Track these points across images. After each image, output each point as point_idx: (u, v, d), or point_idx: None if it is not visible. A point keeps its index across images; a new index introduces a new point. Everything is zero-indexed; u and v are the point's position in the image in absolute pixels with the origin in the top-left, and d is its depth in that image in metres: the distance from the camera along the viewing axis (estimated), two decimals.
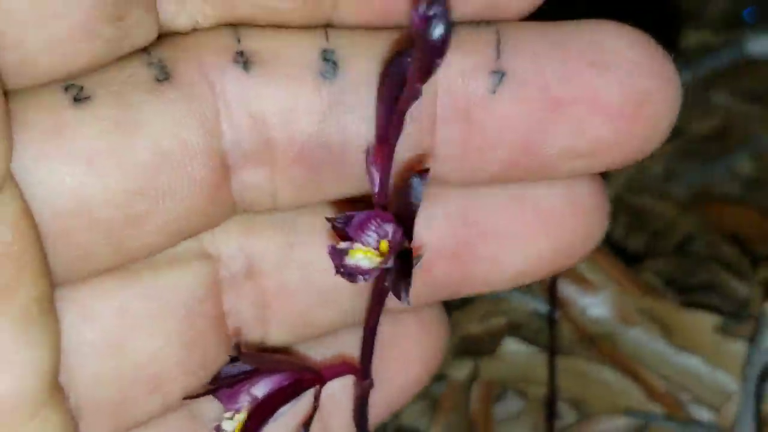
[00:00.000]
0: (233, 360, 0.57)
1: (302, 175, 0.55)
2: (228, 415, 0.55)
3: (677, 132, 1.30)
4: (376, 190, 0.52)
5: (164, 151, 0.51)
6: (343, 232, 0.50)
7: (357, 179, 0.55)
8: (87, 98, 0.49)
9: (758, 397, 0.90)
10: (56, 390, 0.51)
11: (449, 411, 0.98)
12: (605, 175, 1.26)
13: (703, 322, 0.98)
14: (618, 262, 1.04)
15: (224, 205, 0.54)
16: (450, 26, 0.44)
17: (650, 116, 0.55)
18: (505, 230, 0.59)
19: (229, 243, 0.58)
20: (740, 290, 1.07)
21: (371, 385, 0.59)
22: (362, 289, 0.59)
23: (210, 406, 0.59)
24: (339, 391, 0.62)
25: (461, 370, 1.02)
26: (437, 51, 0.45)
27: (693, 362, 0.97)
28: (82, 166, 0.49)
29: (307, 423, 0.57)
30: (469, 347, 1.05)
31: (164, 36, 0.53)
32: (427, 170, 0.50)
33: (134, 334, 0.54)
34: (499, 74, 0.54)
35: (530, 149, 0.55)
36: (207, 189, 0.53)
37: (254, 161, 0.54)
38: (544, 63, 0.54)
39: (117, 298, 0.54)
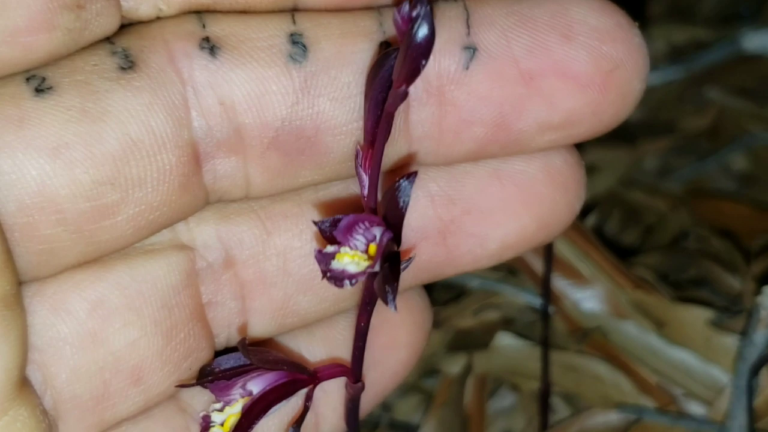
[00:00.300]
0: (221, 353, 0.57)
1: (277, 162, 0.55)
2: (218, 406, 0.55)
3: (671, 128, 1.31)
4: (365, 192, 0.52)
5: (133, 139, 0.50)
6: (329, 235, 0.50)
7: (332, 164, 0.56)
8: (50, 88, 0.49)
9: (750, 391, 0.90)
10: (25, 386, 0.50)
11: (443, 405, 0.98)
12: (598, 171, 1.26)
13: (696, 316, 0.98)
14: (611, 256, 1.04)
15: (197, 195, 0.54)
16: (434, 27, 0.44)
17: (620, 84, 0.56)
18: (488, 206, 0.59)
19: (204, 232, 0.57)
20: (733, 284, 1.07)
21: (362, 388, 0.59)
22: None
23: (198, 400, 0.59)
24: (329, 383, 0.62)
25: (455, 365, 1.02)
26: (422, 51, 0.45)
27: (685, 356, 0.97)
28: (47, 157, 0.49)
29: (298, 422, 0.56)
30: (463, 341, 1.05)
31: (128, 25, 0.52)
32: (415, 173, 0.50)
33: (110, 327, 0.54)
34: (471, 50, 0.54)
35: (505, 125, 0.56)
36: (178, 178, 0.52)
37: (226, 149, 0.54)
38: (512, 36, 0.54)
39: (91, 291, 0.54)
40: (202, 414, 0.55)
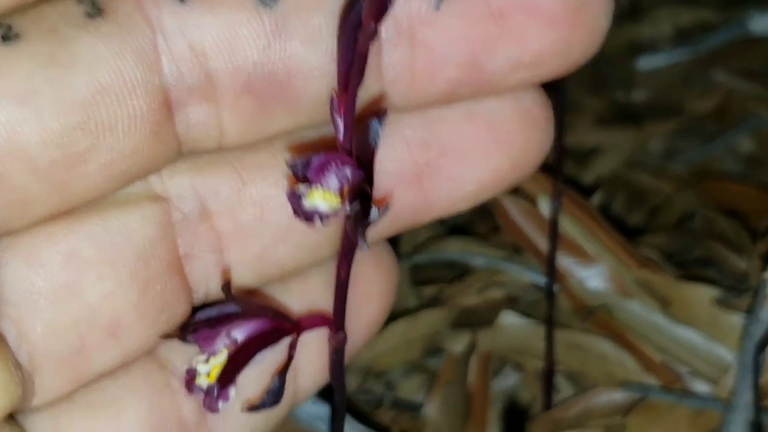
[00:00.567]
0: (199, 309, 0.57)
1: (249, 109, 0.55)
2: (202, 357, 0.54)
3: (677, 110, 1.31)
4: (341, 137, 0.52)
5: (102, 85, 0.50)
6: (301, 175, 0.49)
7: (305, 109, 0.56)
8: (17, 36, 0.49)
9: (756, 369, 0.89)
10: None
11: (447, 384, 0.98)
12: (603, 153, 1.26)
13: (701, 294, 0.98)
14: (616, 234, 1.03)
15: (169, 144, 0.54)
16: None
17: (587, 20, 0.57)
18: (463, 147, 0.60)
19: (178, 184, 0.57)
20: (739, 264, 1.07)
21: (345, 338, 0.59)
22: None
23: (178, 356, 0.59)
24: (306, 337, 0.62)
25: (458, 343, 1.01)
26: None
27: (690, 335, 0.96)
28: (16, 104, 0.48)
29: (282, 371, 0.57)
30: (467, 320, 1.04)
31: None
32: (385, 111, 0.50)
33: (85, 279, 0.54)
34: None
35: (477, 65, 0.56)
36: (150, 125, 0.52)
37: (198, 96, 0.53)
38: None
39: (64, 243, 0.53)
40: (186, 368, 0.55)
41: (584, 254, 1.03)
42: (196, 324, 0.56)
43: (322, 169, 0.48)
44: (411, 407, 0.99)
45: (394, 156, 0.59)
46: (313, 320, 0.59)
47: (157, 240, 0.56)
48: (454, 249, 1.12)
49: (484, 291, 1.07)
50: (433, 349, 1.04)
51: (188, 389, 0.55)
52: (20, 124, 0.48)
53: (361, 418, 0.92)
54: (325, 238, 0.61)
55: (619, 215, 1.20)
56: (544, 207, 1.05)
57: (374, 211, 0.50)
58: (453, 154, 0.61)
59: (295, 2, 0.54)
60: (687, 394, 0.93)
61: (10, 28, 0.49)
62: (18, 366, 0.52)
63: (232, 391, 0.55)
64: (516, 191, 1.09)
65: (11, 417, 0.53)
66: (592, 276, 1.02)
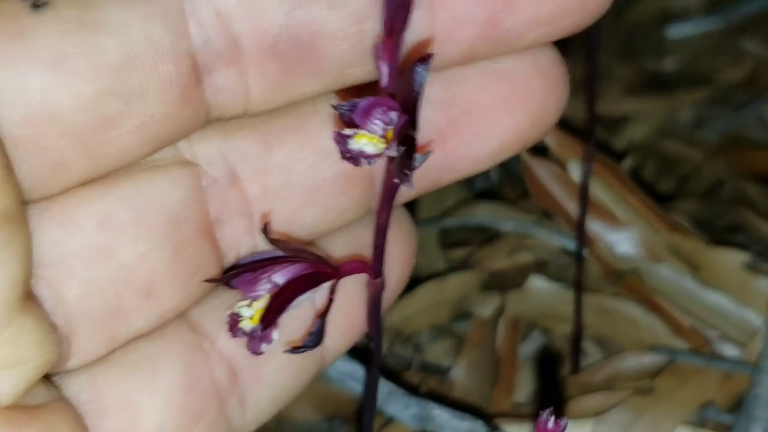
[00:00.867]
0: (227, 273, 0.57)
1: (275, 73, 0.55)
2: (245, 302, 0.55)
3: (707, 79, 1.31)
4: (384, 82, 0.52)
5: (132, 49, 0.51)
6: (348, 118, 0.50)
7: (330, 72, 0.56)
8: (46, 3, 0.49)
9: None
10: (30, 299, 0.51)
11: (475, 348, 0.98)
12: (634, 121, 1.26)
13: (731, 259, 0.98)
14: (646, 199, 1.03)
15: (197, 109, 0.55)
16: None
17: None
18: (484, 105, 0.61)
19: (206, 149, 0.58)
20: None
21: (383, 284, 0.59)
22: (346, 187, 0.61)
23: (209, 319, 0.60)
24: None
25: (487, 307, 1.02)
26: None
27: (720, 299, 0.96)
28: (49, 69, 0.49)
29: (323, 314, 0.57)
30: (496, 283, 1.05)
31: None
32: (430, 56, 0.50)
33: (119, 240, 0.55)
34: None
35: (496, 22, 0.57)
36: (179, 89, 0.53)
37: (224, 61, 0.54)
38: None
39: (98, 206, 0.54)
40: (229, 312, 0.56)
41: (614, 218, 1.03)
42: (239, 269, 0.57)
43: (368, 113, 0.49)
44: (439, 370, 1.00)
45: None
46: (353, 266, 0.59)
47: (188, 203, 0.57)
48: (483, 213, 1.12)
49: (513, 255, 1.08)
50: (462, 314, 1.04)
51: (231, 333, 0.55)
52: (53, 88, 0.49)
53: (391, 377, 0.93)
54: (353, 200, 0.62)
55: (650, 183, 1.20)
56: (574, 171, 1.05)
57: (418, 157, 0.51)
58: (475, 112, 0.61)
59: None
60: (715, 357, 0.94)
61: None
62: (54, 327, 0.52)
63: (275, 334, 0.55)
64: (546, 156, 1.09)
65: (47, 378, 0.54)
66: (621, 240, 1.02)
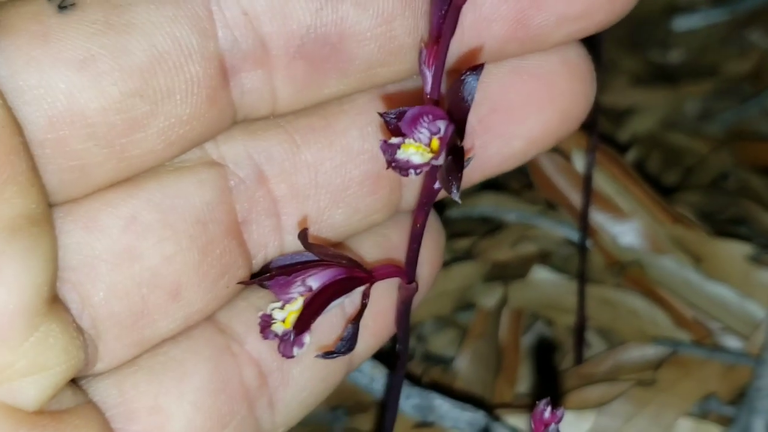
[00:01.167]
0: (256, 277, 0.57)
1: (303, 72, 0.55)
2: (278, 304, 0.55)
3: (713, 71, 1.31)
4: (428, 89, 0.52)
5: (159, 51, 0.50)
6: (394, 126, 0.49)
7: (357, 72, 0.56)
8: (72, 5, 0.49)
9: None
10: (56, 303, 0.50)
11: (477, 339, 0.98)
12: (639, 113, 1.26)
13: (734, 251, 0.98)
14: (650, 190, 1.03)
15: (224, 110, 0.54)
16: None
17: None
18: (513, 103, 0.60)
19: (233, 149, 0.58)
20: None
21: (416, 289, 0.59)
22: (375, 187, 0.60)
23: (237, 321, 0.59)
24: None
25: (490, 297, 1.02)
26: None
27: (723, 291, 0.96)
28: (75, 70, 0.49)
29: (356, 319, 0.56)
30: (499, 274, 1.05)
31: None
32: (481, 66, 0.49)
33: (145, 242, 0.54)
34: None
35: (525, 20, 0.57)
36: (206, 91, 0.52)
37: (252, 61, 0.54)
38: None
39: (123, 208, 0.54)
40: (260, 314, 0.55)
41: (618, 210, 1.03)
42: (272, 271, 0.56)
43: (415, 122, 0.48)
44: (442, 360, 1.00)
45: None
46: (386, 270, 0.59)
47: (215, 204, 0.56)
48: (487, 204, 1.12)
49: (517, 246, 1.07)
50: (465, 304, 1.04)
51: (263, 335, 0.55)
52: (79, 89, 0.49)
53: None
54: (381, 201, 0.61)
55: (654, 175, 1.19)
56: (578, 162, 1.05)
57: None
58: (503, 110, 0.61)
59: None
60: (718, 349, 0.94)
61: None
62: (80, 330, 0.52)
63: (307, 338, 0.55)
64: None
65: (74, 382, 0.53)
66: (625, 232, 1.02)
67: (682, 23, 1.41)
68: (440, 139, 0.48)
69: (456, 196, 0.49)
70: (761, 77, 1.32)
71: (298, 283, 0.55)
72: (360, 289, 0.57)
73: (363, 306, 0.57)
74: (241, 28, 0.53)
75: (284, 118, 0.58)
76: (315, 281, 0.55)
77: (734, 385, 0.91)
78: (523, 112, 0.61)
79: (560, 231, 1.07)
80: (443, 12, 0.50)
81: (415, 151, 0.48)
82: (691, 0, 1.44)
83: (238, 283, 0.58)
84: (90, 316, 0.53)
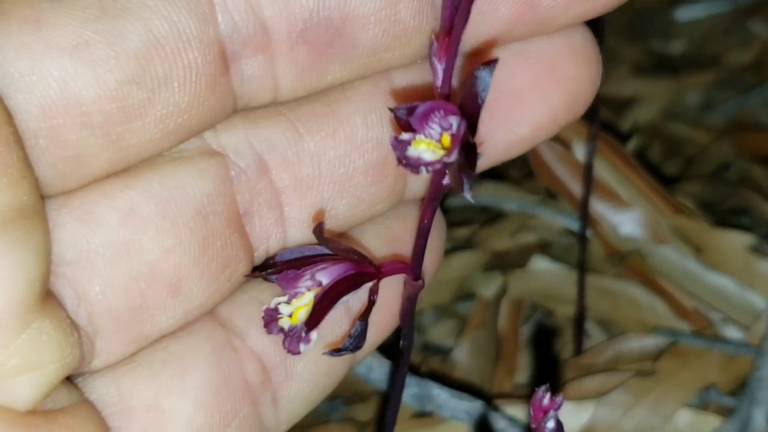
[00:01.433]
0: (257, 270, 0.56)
1: (305, 57, 0.54)
2: (284, 299, 0.54)
3: (715, 61, 1.30)
4: (439, 82, 0.50)
5: (156, 36, 0.49)
6: (405, 122, 0.48)
7: (360, 57, 0.55)
8: None
9: None
10: (49, 299, 0.49)
11: (477, 329, 0.98)
12: (640, 103, 1.26)
13: (735, 241, 0.97)
14: (651, 180, 1.03)
15: (224, 98, 0.53)
16: None
17: None
18: (519, 88, 0.59)
19: (233, 138, 0.56)
20: None
21: (422, 286, 0.58)
22: (379, 177, 0.59)
23: (238, 315, 0.58)
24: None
25: (490, 287, 1.01)
26: None
27: (723, 281, 0.96)
28: (68, 57, 0.47)
29: (364, 317, 0.55)
30: (499, 263, 1.04)
31: None
32: (495, 61, 0.48)
33: (143, 235, 0.53)
34: None
35: (533, 2, 0.55)
36: (205, 78, 0.51)
37: (253, 47, 0.52)
38: None
39: (120, 200, 0.52)
40: (264, 308, 0.54)
41: (618, 199, 1.03)
42: (279, 265, 0.55)
43: (426, 117, 0.47)
44: (441, 351, 1.00)
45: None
46: (394, 266, 0.57)
47: (215, 195, 0.55)
48: (487, 193, 1.12)
49: (517, 235, 1.07)
50: (464, 294, 1.04)
51: (267, 330, 0.54)
52: (72, 77, 0.47)
53: (391, 356, 0.92)
54: (385, 191, 0.60)
55: (655, 165, 1.19)
56: (579, 152, 1.05)
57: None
58: (509, 95, 0.59)
59: None
60: (718, 339, 0.93)
61: None
62: (74, 327, 0.50)
63: (314, 334, 0.53)
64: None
65: (69, 380, 0.52)
66: (625, 221, 1.02)
67: (684, 13, 1.41)
68: (452, 135, 0.47)
69: (469, 196, 0.48)
70: (763, 68, 1.32)
71: (307, 277, 0.54)
72: (367, 285, 0.56)
73: (371, 303, 0.56)
74: (241, 13, 0.51)
75: (286, 105, 0.57)
76: (325, 276, 0.54)
77: (734, 376, 0.91)
78: (529, 97, 0.59)
79: (560, 220, 1.07)
80: (456, 3, 0.49)
81: (426, 147, 0.47)
82: None
83: (246, 276, 0.56)
84: (86, 311, 0.52)
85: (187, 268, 0.54)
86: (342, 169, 0.58)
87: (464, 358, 0.97)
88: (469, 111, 0.48)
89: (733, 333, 0.94)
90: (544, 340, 1.01)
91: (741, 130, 1.22)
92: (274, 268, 0.55)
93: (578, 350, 0.97)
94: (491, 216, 1.10)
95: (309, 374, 0.60)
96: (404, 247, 0.62)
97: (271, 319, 0.54)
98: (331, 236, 0.58)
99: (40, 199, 0.48)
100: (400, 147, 0.47)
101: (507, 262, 1.04)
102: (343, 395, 0.94)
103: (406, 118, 0.48)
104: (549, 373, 0.96)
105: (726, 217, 1.06)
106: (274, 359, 0.58)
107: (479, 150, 0.49)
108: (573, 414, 0.88)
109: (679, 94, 1.30)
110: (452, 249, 1.06)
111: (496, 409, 0.88)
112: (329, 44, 0.54)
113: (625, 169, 1.03)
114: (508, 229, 1.07)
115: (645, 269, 0.99)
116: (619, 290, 0.99)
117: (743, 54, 1.34)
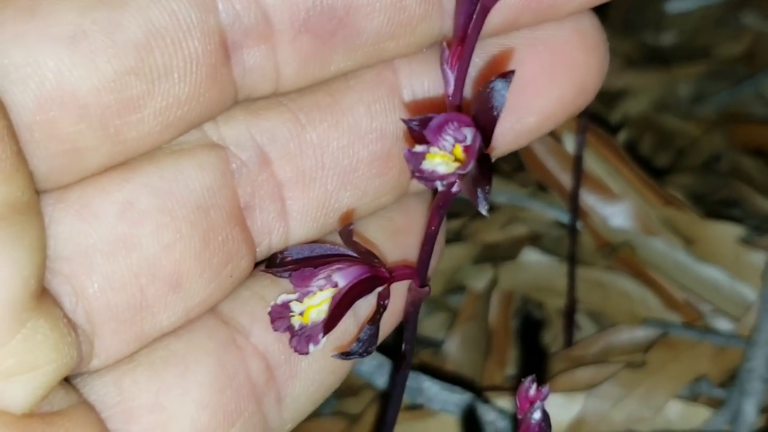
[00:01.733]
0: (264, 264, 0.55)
1: (307, 48, 0.53)
2: (294, 296, 0.53)
3: (706, 53, 1.30)
4: (450, 91, 0.50)
5: (156, 26, 0.48)
6: (419, 134, 0.47)
7: (364, 47, 0.54)
8: None
9: None
10: (45, 297, 0.48)
11: (468, 321, 0.98)
12: (632, 95, 1.25)
13: (726, 233, 0.97)
14: (641, 172, 1.03)
15: (225, 90, 0.52)
16: None
17: None
18: (527, 76, 0.57)
19: (234, 130, 0.55)
20: (763, 205, 1.06)
21: (428, 293, 0.57)
22: (383, 169, 0.58)
23: (240, 312, 0.57)
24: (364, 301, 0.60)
25: (480, 279, 1.01)
26: None
27: (714, 273, 0.96)
28: (65, 47, 0.46)
29: (375, 320, 0.55)
30: (489, 256, 1.04)
31: None
32: (512, 72, 0.47)
33: (142, 230, 0.51)
34: None
35: None
36: (206, 68, 0.50)
37: (255, 37, 0.51)
38: None
39: (118, 193, 0.51)
40: (272, 304, 0.53)
41: (608, 191, 1.02)
42: (291, 262, 0.54)
43: (440, 130, 0.46)
44: (432, 343, 0.99)
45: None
46: (403, 272, 0.56)
47: (216, 188, 0.54)
48: None
49: (507, 227, 1.07)
50: (455, 287, 1.03)
51: (274, 326, 0.53)
52: (69, 68, 0.46)
53: (382, 349, 0.92)
54: (390, 183, 0.59)
55: (646, 156, 1.19)
56: (569, 144, 1.05)
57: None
58: (517, 84, 0.57)
59: None
60: (709, 331, 0.93)
61: None
62: (72, 326, 0.49)
63: (323, 336, 0.53)
64: None
65: (67, 381, 0.50)
66: (615, 213, 1.02)
67: (676, 5, 1.41)
68: (467, 147, 0.46)
69: (484, 210, 0.47)
70: (754, 59, 1.32)
71: (321, 276, 0.53)
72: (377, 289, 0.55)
73: (382, 307, 0.55)
74: (243, 1, 0.50)
75: (288, 96, 0.55)
76: (340, 278, 0.53)
77: (725, 368, 0.91)
78: (537, 85, 0.58)
79: (551, 213, 1.07)
80: (470, 10, 0.48)
81: (441, 160, 0.46)
82: None
83: (261, 271, 0.55)
84: (84, 309, 0.50)
85: (188, 264, 0.53)
86: (346, 160, 0.57)
87: (455, 350, 0.97)
88: (483, 123, 0.47)
89: (723, 324, 0.94)
90: (534, 332, 1.01)
91: (732, 122, 1.22)
92: (288, 266, 0.54)
93: (569, 342, 0.97)
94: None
95: (314, 372, 0.59)
96: (408, 240, 0.60)
97: (279, 316, 0.53)
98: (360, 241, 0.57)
99: (35, 195, 0.47)
100: (414, 160, 0.46)
101: (497, 255, 1.04)
102: (335, 390, 0.94)
103: (420, 130, 0.47)
104: (540, 365, 0.96)
105: (717, 208, 1.06)
106: (278, 357, 0.57)
107: (492, 160, 0.48)
108: (563, 406, 0.88)
109: (670, 86, 1.30)
110: None
111: (486, 401, 0.88)
112: (332, 33, 0.53)
113: (616, 161, 1.03)
114: (499, 221, 1.07)
115: (635, 261, 0.99)
116: (610, 282, 0.99)
117: (734, 46, 1.34)
